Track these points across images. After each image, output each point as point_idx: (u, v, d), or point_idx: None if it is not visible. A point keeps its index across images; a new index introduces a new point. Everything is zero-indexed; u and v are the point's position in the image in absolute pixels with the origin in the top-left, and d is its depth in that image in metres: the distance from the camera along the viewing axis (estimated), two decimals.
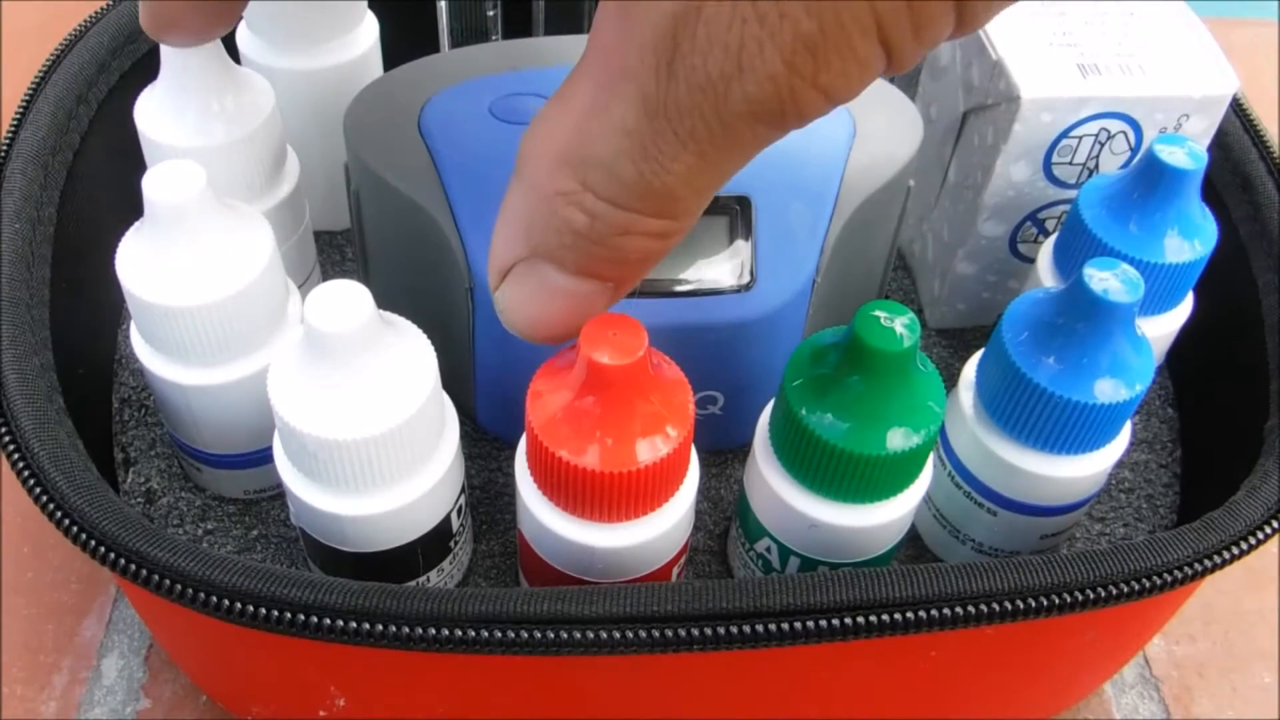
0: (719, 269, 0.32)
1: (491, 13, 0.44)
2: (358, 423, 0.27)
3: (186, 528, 0.35)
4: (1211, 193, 0.38)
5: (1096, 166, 0.36)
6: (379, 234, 0.35)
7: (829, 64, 0.17)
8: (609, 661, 0.27)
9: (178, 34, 0.28)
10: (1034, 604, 0.26)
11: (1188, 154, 0.32)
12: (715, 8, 0.17)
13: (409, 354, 0.28)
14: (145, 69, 0.38)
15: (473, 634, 0.25)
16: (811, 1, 0.16)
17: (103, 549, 0.26)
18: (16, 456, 0.28)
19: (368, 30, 0.40)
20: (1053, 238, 0.36)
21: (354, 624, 0.25)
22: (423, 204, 0.32)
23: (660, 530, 0.28)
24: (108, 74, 0.38)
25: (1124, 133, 0.35)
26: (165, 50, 0.32)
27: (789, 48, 0.17)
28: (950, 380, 0.34)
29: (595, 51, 0.19)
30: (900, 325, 0.26)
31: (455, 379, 0.34)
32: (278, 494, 0.36)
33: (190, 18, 0.27)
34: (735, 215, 0.32)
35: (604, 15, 0.19)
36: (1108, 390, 0.29)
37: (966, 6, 0.17)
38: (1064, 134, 0.35)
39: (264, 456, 0.33)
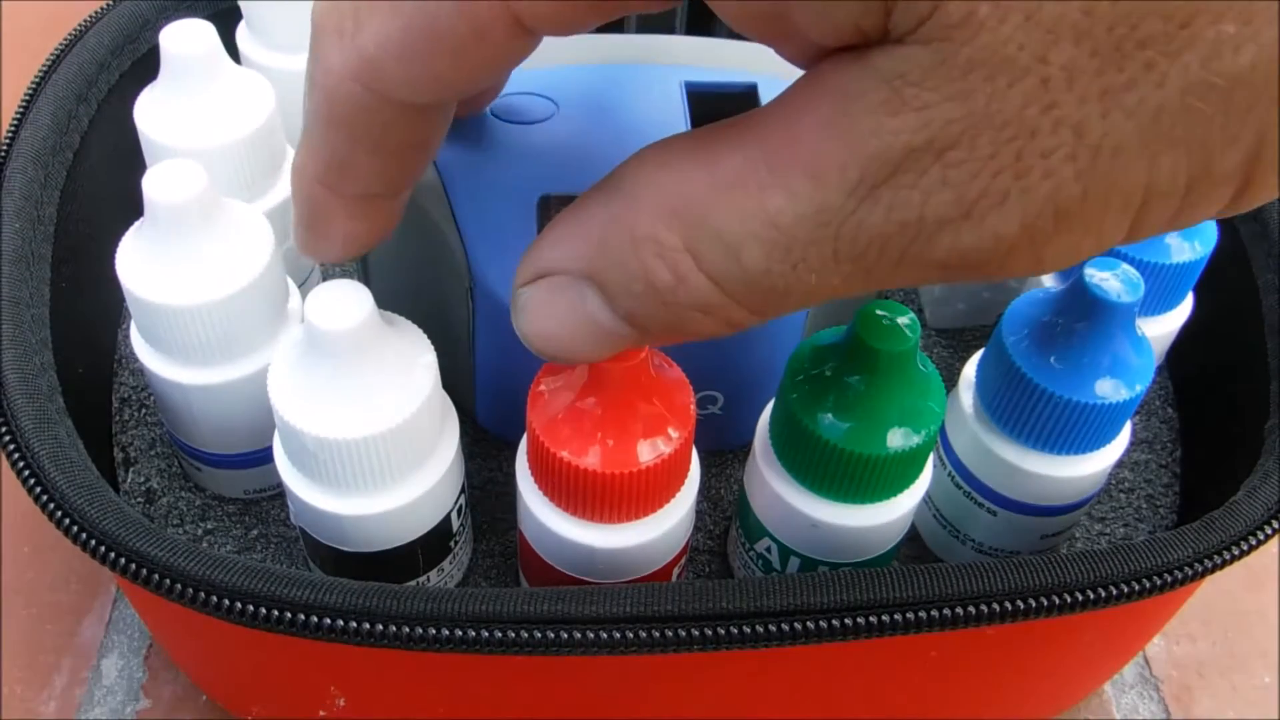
0: None
1: None
2: (358, 422, 0.27)
3: (186, 527, 0.35)
4: None
5: None
6: None
7: (1068, 233, 0.15)
8: (609, 662, 0.27)
9: (345, 253, 0.24)
10: (1034, 604, 0.26)
11: None
12: (964, 154, 0.15)
13: (409, 354, 0.28)
14: (145, 69, 0.38)
15: (473, 634, 0.25)
16: (1084, 166, 0.15)
17: (103, 549, 0.26)
18: (16, 456, 0.28)
19: None
20: None
21: (354, 624, 0.25)
22: (422, 203, 0.32)
23: (661, 531, 0.28)
24: (108, 74, 0.38)
25: None
26: (165, 50, 0.32)
27: (1036, 209, 0.15)
28: (950, 380, 0.34)
29: (774, 126, 0.17)
30: (901, 325, 0.26)
31: (455, 379, 0.34)
32: (278, 494, 0.36)
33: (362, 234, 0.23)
34: None
35: (807, 95, 0.16)
36: (1108, 390, 0.29)
37: (1254, 182, 0.15)
38: None
39: (264, 456, 0.33)
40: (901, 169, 0.15)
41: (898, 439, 0.27)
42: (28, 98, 0.36)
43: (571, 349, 0.20)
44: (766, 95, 0.31)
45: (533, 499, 0.28)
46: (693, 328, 0.18)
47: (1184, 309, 0.36)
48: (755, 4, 0.16)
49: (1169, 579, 0.27)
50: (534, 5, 0.17)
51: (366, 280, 0.36)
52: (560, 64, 0.34)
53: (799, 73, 0.17)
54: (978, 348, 0.34)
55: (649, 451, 0.26)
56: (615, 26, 0.44)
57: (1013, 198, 0.15)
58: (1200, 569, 0.27)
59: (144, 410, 0.37)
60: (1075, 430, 0.30)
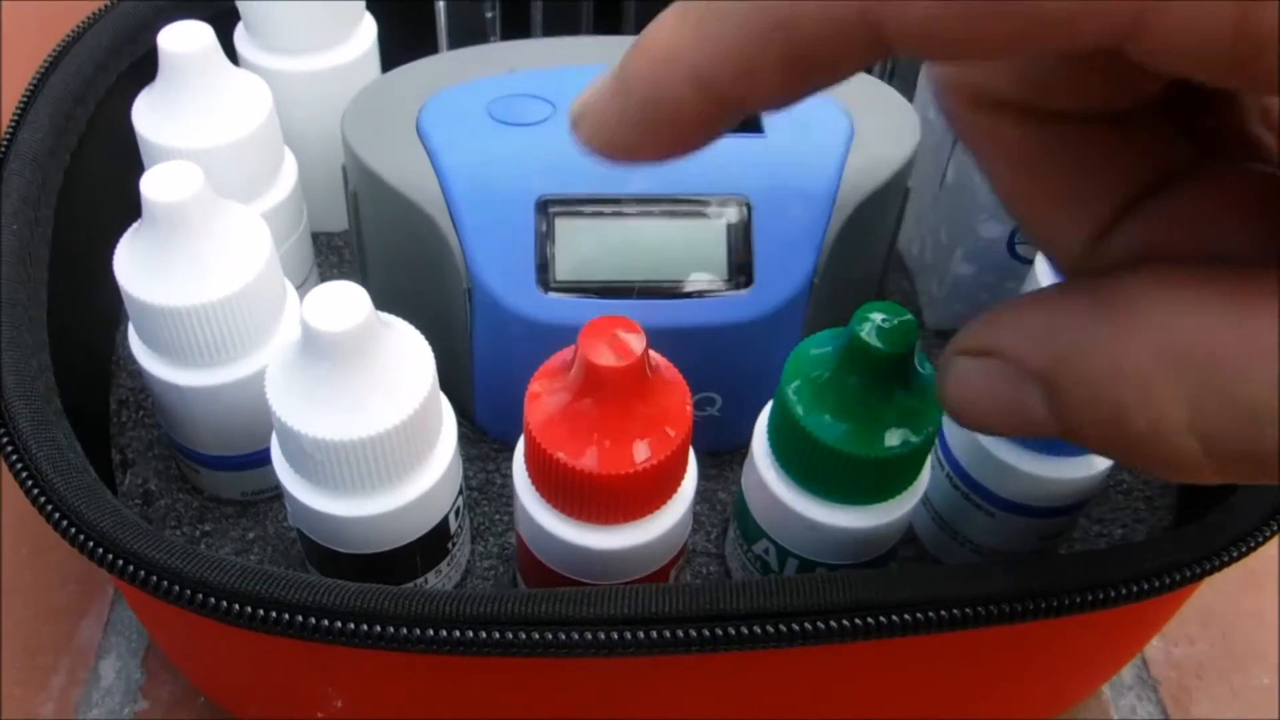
0: (717, 270, 0.32)
1: (490, 14, 0.44)
2: (355, 423, 0.27)
3: (184, 529, 0.35)
4: None
5: None
6: (377, 235, 0.35)
7: None
8: (607, 663, 0.27)
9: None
10: (1032, 606, 0.26)
11: None
12: None
13: (407, 355, 0.28)
14: (144, 70, 0.38)
15: (470, 635, 0.25)
16: None
17: (100, 550, 0.26)
18: (15, 458, 0.28)
19: (366, 31, 0.40)
20: None
21: (351, 625, 0.25)
22: (421, 205, 0.32)
23: (658, 532, 0.28)
24: (106, 74, 0.38)
25: None
26: (163, 52, 0.32)
27: None
28: None
29: None
30: (899, 326, 0.26)
31: (454, 379, 0.34)
32: (275, 495, 0.36)
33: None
34: (734, 217, 0.32)
35: None
36: None
37: None
38: None
39: (262, 458, 0.33)
40: None
41: (896, 440, 0.27)
42: (26, 99, 0.36)
43: (987, 427, 0.19)
44: None
45: (530, 501, 0.28)
46: (1135, 463, 0.17)
47: None
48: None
49: (1167, 580, 0.27)
50: None
51: (365, 281, 0.36)
52: (558, 66, 0.34)
53: None
54: None
55: (645, 453, 0.26)
56: (613, 27, 0.44)
57: None
58: (1199, 570, 0.27)
59: (142, 412, 0.37)
60: None
